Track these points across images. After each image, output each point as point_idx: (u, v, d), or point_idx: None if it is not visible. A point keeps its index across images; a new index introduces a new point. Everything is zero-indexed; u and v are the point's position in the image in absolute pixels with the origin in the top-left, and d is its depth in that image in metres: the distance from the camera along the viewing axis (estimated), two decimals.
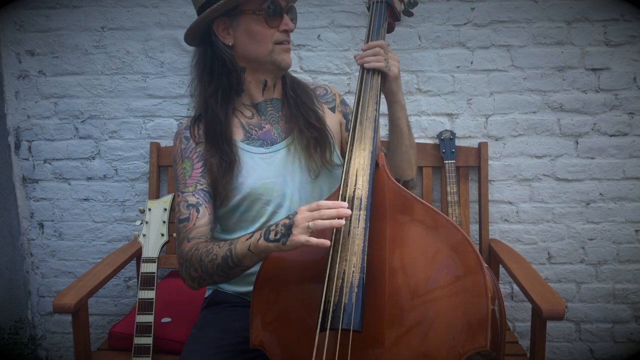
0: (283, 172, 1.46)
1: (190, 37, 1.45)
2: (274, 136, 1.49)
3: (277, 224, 1.18)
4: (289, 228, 1.14)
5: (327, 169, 1.48)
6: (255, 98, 1.49)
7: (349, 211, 1.12)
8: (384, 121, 2.22)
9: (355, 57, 1.41)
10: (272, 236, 1.17)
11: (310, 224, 1.11)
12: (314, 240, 1.10)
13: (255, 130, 1.49)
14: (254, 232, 1.23)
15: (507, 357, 1.85)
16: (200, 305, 1.68)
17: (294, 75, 1.58)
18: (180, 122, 2.36)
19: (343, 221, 1.10)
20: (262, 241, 1.18)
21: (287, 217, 1.17)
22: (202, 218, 1.40)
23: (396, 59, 1.40)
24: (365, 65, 1.37)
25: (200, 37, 1.44)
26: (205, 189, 1.43)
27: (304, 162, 1.47)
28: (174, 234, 1.47)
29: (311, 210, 1.13)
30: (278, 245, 1.16)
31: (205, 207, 1.42)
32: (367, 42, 1.41)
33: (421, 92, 2.30)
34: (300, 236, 1.11)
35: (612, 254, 2.35)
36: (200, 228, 1.39)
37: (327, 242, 1.10)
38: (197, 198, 1.42)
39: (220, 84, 1.44)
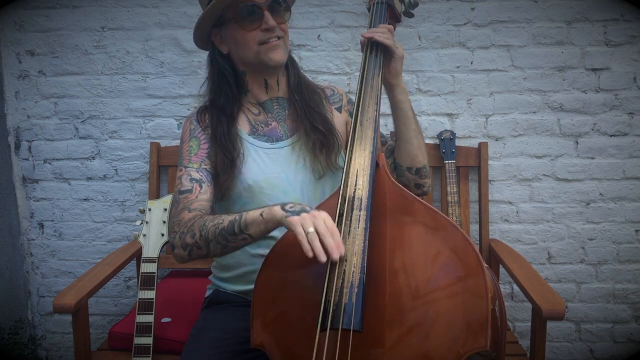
0: (286, 169, 1.47)
1: (198, 44, 1.52)
2: (279, 133, 1.50)
3: (300, 204, 1.19)
4: (302, 211, 1.14)
5: (332, 171, 1.48)
6: (259, 97, 1.51)
7: (337, 259, 1.09)
8: (383, 121, 2.24)
9: (363, 34, 1.40)
10: (287, 207, 1.17)
11: (311, 230, 1.09)
12: (305, 241, 1.08)
13: (262, 127, 1.50)
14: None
15: (507, 357, 1.85)
16: (200, 305, 1.68)
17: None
18: (181, 122, 2.36)
19: (324, 259, 1.07)
20: (277, 207, 1.18)
21: (310, 207, 1.17)
22: (205, 194, 1.41)
23: (400, 44, 1.41)
24: (376, 37, 1.36)
25: (208, 43, 1.50)
26: (209, 169, 1.44)
27: (308, 162, 1.47)
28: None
29: (325, 223, 1.11)
30: (283, 216, 1.15)
31: (207, 186, 1.43)
32: None
33: (421, 92, 2.30)
34: (298, 226, 1.10)
35: (612, 254, 2.35)
36: (202, 202, 1.39)
37: (310, 253, 1.08)
38: (201, 175, 1.43)
39: (222, 88, 1.48)
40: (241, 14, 1.39)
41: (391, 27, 1.41)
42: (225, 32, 1.44)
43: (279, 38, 1.43)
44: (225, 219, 1.27)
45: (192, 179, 1.42)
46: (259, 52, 1.41)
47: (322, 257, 1.07)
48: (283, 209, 1.18)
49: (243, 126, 1.50)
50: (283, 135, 1.50)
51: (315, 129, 1.46)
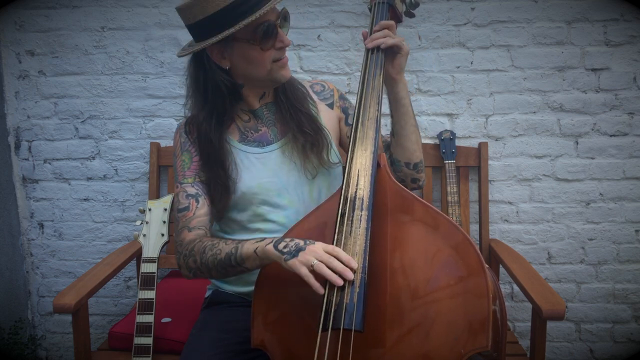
0: (278, 173, 1.46)
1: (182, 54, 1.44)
2: (269, 137, 1.49)
3: (292, 239, 1.19)
4: (298, 251, 1.14)
5: (325, 168, 1.48)
6: (252, 105, 1.49)
7: (352, 277, 1.10)
8: (384, 121, 2.24)
9: (365, 42, 1.39)
10: (280, 247, 1.18)
11: (315, 263, 1.10)
12: (312, 279, 1.10)
13: (252, 133, 1.49)
14: (265, 238, 1.24)
15: (507, 357, 1.85)
16: (200, 305, 1.68)
17: (295, 75, 1.58)
18: (180, 122, 2.36)
19: (341, 282, 1.08)
20: (270, 247, 1.19)
21: (304, 241, 1.17)
22: (202, 208, 1.42)
23: (402, 38, 1.40)
24: (383, 45, 1.36)
25: (194, 57, 1.43)
26: (203, 181, 1.44)
27: (299, 163, 1.47)
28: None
29: (326, 251, 1.12)
30: (280, 258, 1.16)
31: (204, 198, 1.43)
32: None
33: (421, 92, 2.30)
34: (301, 267, 1.11)
35: (612, 254, 2.35)
36: (200, 217, 1.41)
37: (321, 290, 1.09)
38: (197, 189, 1.43)
39: (214, 106, 1.42)
40: (259, 34, 1.34)
41: (390, 23, 1.39)
42: (232, 49, 1.38)
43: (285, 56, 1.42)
44: (223, 250, 1.28)
45: (188, 196, 1.43)
46: (272, 70, 1.39)
47: (339, 282, 1.08)
48: (277, 249, 1.18)
49: (233, 134, 1.48)
50: (273, 139, 1.49)
51: (302, 131, 1.45)
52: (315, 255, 1.11)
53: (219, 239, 1.34)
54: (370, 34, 1.40)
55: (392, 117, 1.48)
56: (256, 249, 1.22)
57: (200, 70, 1.41)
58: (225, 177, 1.43)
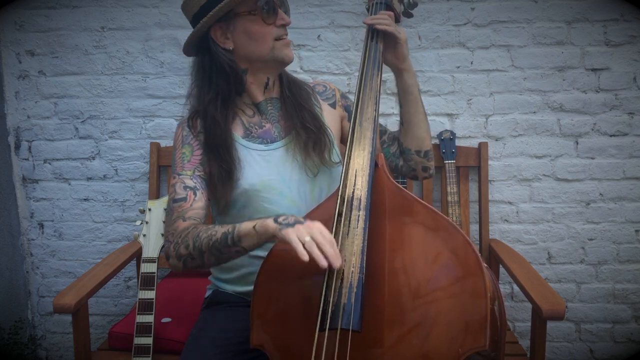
0: (281, 170, 1.46)
1: (188, 48, 1.46)
2: (273, 135, 1.49)
3: (292, 215, 1.18)
4: (296, 222, 1.14)
5: (326, 167, 1.48)
6: (256, 98, 1.49)
7: (339, 265, 1.09)
8: (383, 121, 2.24)
9: (364, 20, 1.42)
10: (280, 219, 1.17)
11: (307, 239, 1.09)
12: (300, 247, 1.08)
13: (256, 129, 1.49)
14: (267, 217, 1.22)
15: (507, 357, 1.85)
16: (200, 305, 1.68)
17: (295, 75, 1.58)
18: (183, 117, 2.36)
19: (325, 263, 1.07)
20: (269, 221, 1.18)
21: (304, 218, 1.17)
22: (199, 202, 1.40)
23: (402, 29, 1.42)
24: (378, 26, 1.39)
25: (198, 46, 1.44)
26: (202, 176, 1.43)
27: (301, 161, 1.47)
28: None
29: (321, 233, 1.11)
30: (276, 229, 1.15)
31: (202, 193, 1.42)
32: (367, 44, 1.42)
33: (421, 92, 2.28)
34: (293, 235, 1.10)
35: (612, 254, 2.35)
36: (197, 210, 1.39)
37: (306, 257, 1.07)
38: (195, 183, 1.42)
39: (219, 89, 1.43)
40: (261, 8, 1.37)
41: (391, 13, 1.42)
42: (235, 25, 1.40)
43: (287, 36, 1.44)
44: (219, 231, 1.26)
45: (186, 187, 1.41)
46: (275, 47, 1.41)
47: (323, 262, 1.07)
48: (276, 221, 1.17)
49: (237, 129, 1.47)
50: (277, 137, 1.49)
51: (305, 127, 1.46)
52: (311, 232, 1.10)
53: (215, 224, 1.32)
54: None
55: (401, 106, 1.50)
56: (255, 225, 1.20)
57: (205, 55, 1.43)
58: (230, 160, 1.42)
